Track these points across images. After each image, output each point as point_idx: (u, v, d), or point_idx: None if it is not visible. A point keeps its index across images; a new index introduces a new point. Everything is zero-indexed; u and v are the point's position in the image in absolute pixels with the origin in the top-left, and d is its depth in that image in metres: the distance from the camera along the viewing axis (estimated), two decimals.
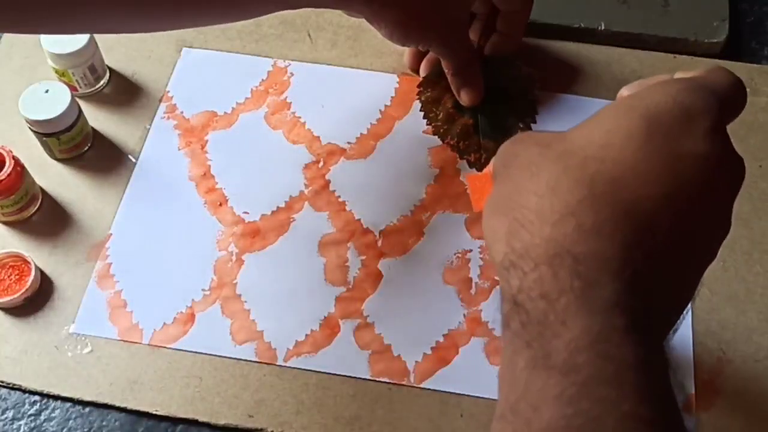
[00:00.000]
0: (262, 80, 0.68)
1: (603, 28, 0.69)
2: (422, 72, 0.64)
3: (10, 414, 0.54)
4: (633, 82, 0.40)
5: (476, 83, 0.60)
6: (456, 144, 0.62)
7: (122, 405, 0.54)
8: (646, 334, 0.32)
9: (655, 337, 0.33)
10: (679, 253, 0.34)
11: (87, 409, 0.54)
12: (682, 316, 0.38)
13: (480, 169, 0.62)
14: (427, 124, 0.63)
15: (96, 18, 0.49)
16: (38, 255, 0.59)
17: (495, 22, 0.62)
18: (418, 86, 0.64)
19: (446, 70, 0.60)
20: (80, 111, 0.62)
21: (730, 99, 0.37)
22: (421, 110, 0.63)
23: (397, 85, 0.67)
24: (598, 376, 0.30)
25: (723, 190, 0.36)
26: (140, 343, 0.56)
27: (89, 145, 0.64)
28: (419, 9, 0.55)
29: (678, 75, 0.39)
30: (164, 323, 0.57)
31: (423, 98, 0.63)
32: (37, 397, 0.55)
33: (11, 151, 0.59)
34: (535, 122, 0.63)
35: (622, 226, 0.33)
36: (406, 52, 0.66)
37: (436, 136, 0.63)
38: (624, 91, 0.40)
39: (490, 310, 0.57)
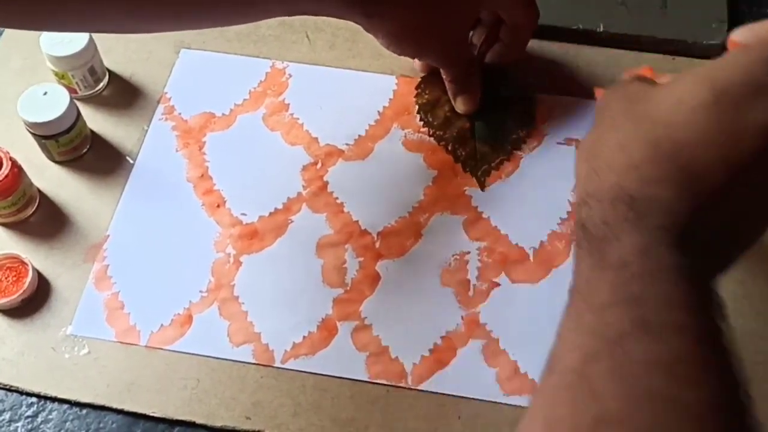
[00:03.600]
0: (261, 81, 0.68)
1: (602, 29, 0.69)
2: (418, 67, 0.64)
3: (7, 416, 0.54)
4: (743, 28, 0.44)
5: (473, 92, 0.60)
6: (452, 147, 0.62)
7: (119, 407, 0.54)
8: (689, 258, 0.37)
9: (699, 269, 0.37)
10: (729, 209, 0.38)
11: (84, 411, 0.54)
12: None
13: (474, 173, 0.61)
14: (423, 126, 0.63)
15: (96, 17, 0.49)
16: (36, 256, 0.59)
17: (499, 31, 0.62)
18: (416, 88, 0.64)
19: (444, 77, 0.60)
20: (79, 113, 0.62)
21: None
22: (417, 112, 0.63)
23: (396, 87, 0.67)
24: (643, 272, 0.36)
25: None
26: (137, 345, 0.56)
27: (88, 147, 0.64)
28: (417, 24, 0.54)
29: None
30: (162, 325, 0.57)
31: (420, 101, 0.63)
32: (34, 399, 0.55)
33: (8, 153, 0.59)
34: (533, 127, 0.63)
35: (678, 178, 0.38)
36: None
37: (432, 139, 0.63)
38: (733, 36, 0.43)
39: (488, 312, 0.57)
